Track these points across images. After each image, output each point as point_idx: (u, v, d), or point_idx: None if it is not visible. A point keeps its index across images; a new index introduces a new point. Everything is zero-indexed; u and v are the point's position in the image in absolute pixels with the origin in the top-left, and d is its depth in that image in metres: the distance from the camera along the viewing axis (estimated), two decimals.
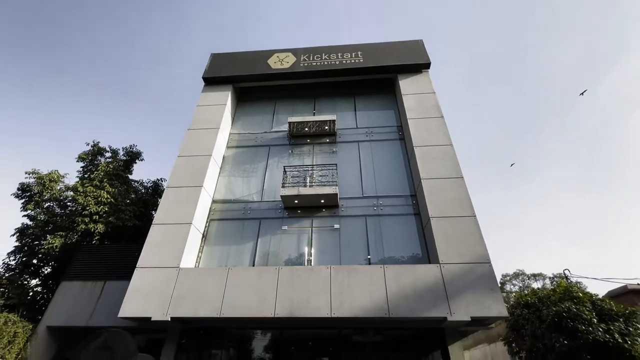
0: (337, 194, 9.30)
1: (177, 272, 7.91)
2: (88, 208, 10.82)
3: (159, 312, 7.32)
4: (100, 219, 11.01)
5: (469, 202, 8.47)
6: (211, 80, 12.82)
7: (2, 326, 8.40)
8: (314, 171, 10.31)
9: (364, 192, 9.99)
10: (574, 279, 16.81)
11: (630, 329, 7.34)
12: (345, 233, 9.25)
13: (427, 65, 12.31)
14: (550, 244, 69.46)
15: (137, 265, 8.13)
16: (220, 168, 11.09)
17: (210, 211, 10.05)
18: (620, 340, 7.04)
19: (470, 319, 6.69)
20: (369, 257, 8.74)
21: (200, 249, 9.27)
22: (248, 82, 13.07)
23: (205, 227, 9.71)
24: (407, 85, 11.83)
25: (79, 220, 10.62)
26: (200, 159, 10.28)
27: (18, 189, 11.79)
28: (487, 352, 13.44)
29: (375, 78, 12.96)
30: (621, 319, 7.53)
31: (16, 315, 8.97)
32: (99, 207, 11.07)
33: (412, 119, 10.58)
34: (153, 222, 9.01)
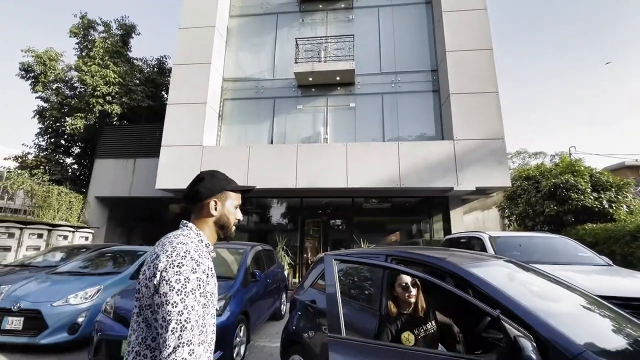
0: (353, 69, 8.79)
1: (202, 150, 8.40)
2: (99, 89, 10.62)
3: None
4: (113, 100, 10.95)
5: (494, 77, 8.02)
6: None
7: (57, 197, 9.64)
8: (329, 44, 9.46)
9: (382, 67, 9.38)
10: (577, 156, 17.35)
11: (619, 197, 8.09)
12: (361, 112, 9.20)
13: None
14: (556, 124, 68.80)
15: (162, 144, 8.58)
16: (226, 42, 10.20)
17: (222, 90, 9.82)
18: (607, 206, 7.87)
19: (475, 189, 7.36)
20: (384, 134, 8.95)
21: (218, 127, 9.52)
22: None
23: (220, 106, 9.69)
24: None
25: (94, 101, 10.60)
26: (203, 31, 9.36)
27: (20, 69, 11.38)
28: (479, 218, 15.24)
29: None
30: (613, 189, 8.20)
31: (65, 188, 10.15)
32: (109, 87, 10.84)
33: None
34: (168, 103, 9.00)
